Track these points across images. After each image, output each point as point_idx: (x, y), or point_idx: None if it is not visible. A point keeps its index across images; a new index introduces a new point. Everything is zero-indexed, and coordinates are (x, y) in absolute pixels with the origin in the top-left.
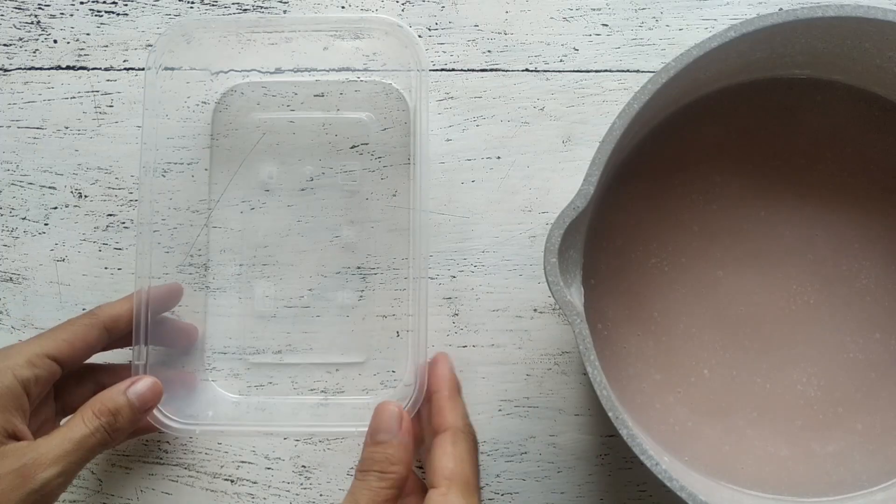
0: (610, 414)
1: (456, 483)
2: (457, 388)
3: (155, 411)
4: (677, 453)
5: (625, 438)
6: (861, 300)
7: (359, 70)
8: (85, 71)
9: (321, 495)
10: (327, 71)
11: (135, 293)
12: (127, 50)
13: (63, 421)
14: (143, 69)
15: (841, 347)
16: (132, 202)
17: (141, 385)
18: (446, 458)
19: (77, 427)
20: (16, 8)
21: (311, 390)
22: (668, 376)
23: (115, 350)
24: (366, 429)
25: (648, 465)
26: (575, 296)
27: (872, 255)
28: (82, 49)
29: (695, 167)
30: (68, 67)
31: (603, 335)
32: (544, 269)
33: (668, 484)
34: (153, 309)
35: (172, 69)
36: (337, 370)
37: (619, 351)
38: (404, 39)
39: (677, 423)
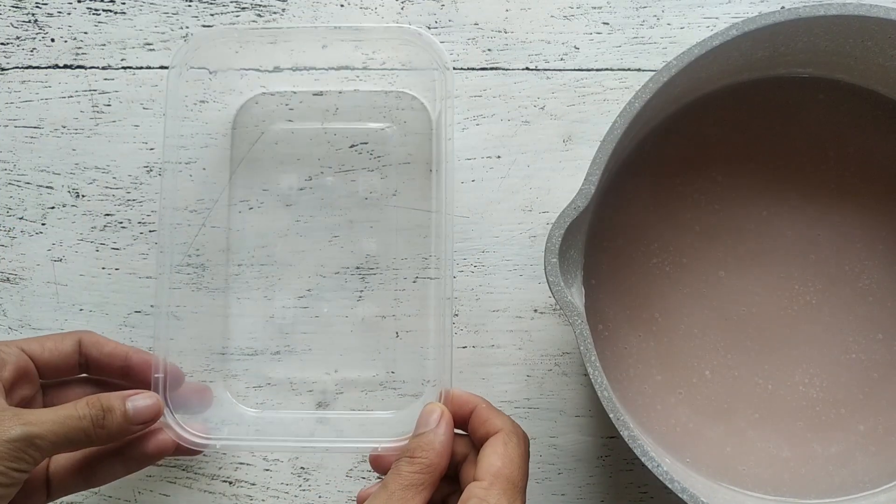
0: (611, 415)
1: (500, 480)
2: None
3: (174, 426)
4: (679, 455)
5: (626, 440)
6: (863, 301)
7: (358, 69)
8: (82, 70)
9: (320, 497)
10: (326, 70)
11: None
12: (125, 49)
13: None
14: (140, 68)
15: (843, 348)
16: (129, 202)
17: (141, 399)
18: (495, 456)
19: (66, 407)
20: (13, 6)
21: (310, 391)
22: (669, 377)
23: None
24: (379, 445)
25: (650, 466)
26: (576, 296)
27: (875, 256)
28: (80, 48)
29: (696, 166)
30: (66, 66)
31: (604, 336)
32: (545, 269)
33: (670, 486)
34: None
35: (168, 67)
36: (336, 371)
37: (619, 352)
38: (405, 38)
39: (678, 424)
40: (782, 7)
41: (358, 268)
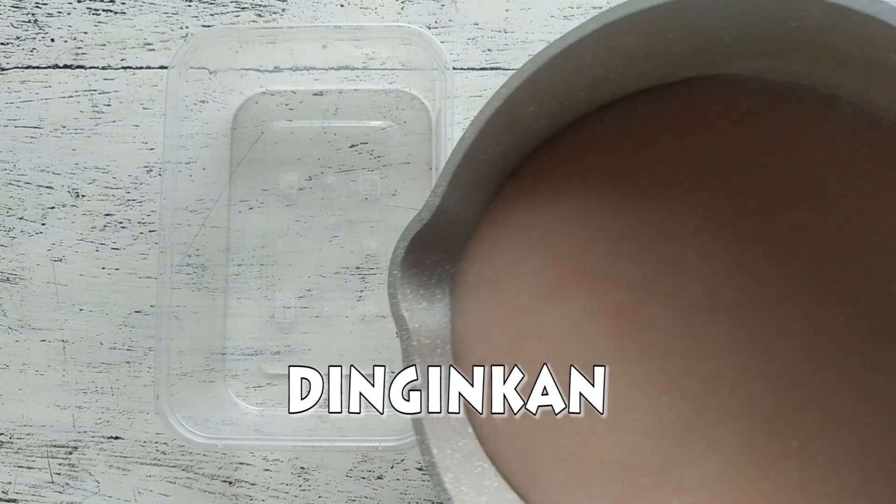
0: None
1: None
2: None
3: (176, 425)
4: None
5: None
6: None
7: (358, 68)
8: (82, 70)
9: (320, 497)
10: (326, 69)
11: None
12: (125, 49)
13: None
14: (140, 68)
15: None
16: (129, 202)
17: None
18: None
19: None
20: (13, 6)
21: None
22: None
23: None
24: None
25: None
26: (422, 312)
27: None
28: (80, 48)
29: (576, 195)
30: (66, 66)
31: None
32: (387, 279)
33: None
34: None
35: (168, 67)
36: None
37: None
38: (405, 38)
39: None
40: None
41: (358, 268)
